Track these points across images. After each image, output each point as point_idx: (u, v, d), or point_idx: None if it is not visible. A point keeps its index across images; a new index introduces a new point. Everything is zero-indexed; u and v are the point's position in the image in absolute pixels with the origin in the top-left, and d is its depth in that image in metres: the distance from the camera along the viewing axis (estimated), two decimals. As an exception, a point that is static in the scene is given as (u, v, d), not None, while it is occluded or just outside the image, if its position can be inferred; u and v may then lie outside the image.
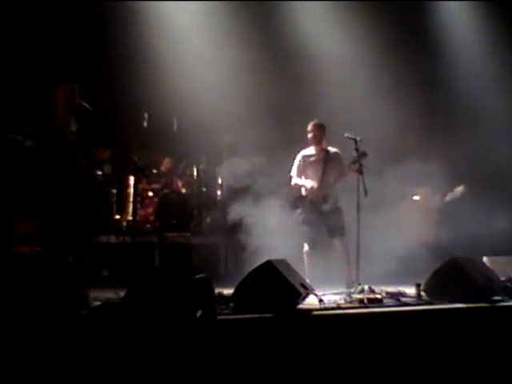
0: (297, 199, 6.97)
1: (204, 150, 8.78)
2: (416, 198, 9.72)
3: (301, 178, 7.00)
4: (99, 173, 5.87)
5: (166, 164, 8.74)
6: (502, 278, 6.10)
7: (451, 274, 5.75)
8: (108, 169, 6.11)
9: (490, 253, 6.70)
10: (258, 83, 8.82)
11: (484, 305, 5.51)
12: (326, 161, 6.91)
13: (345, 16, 9.32)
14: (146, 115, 8.69)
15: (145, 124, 8.70)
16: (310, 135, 6.97)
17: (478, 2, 9.69)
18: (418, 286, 5.84)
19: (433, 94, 9.64)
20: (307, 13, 9.31)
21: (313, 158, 6.98)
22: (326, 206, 6.77)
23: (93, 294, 5.06)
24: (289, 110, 9.26)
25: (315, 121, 7.01)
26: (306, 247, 6.81)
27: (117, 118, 7.59)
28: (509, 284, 6.05)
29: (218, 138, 8.82)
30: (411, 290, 5.88)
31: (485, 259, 6.44)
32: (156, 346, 3.91)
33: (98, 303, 4.80)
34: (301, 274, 5.62)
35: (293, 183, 7.04)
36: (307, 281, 6.37)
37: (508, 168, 8.41)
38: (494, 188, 8.90)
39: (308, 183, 6.87)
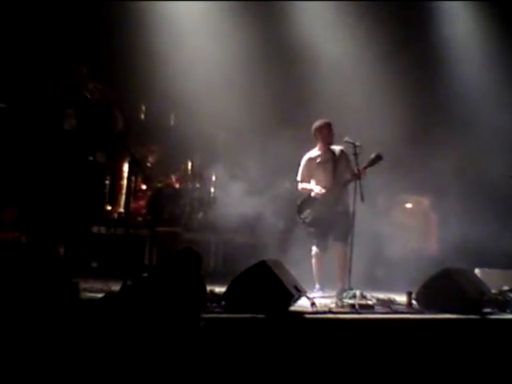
0: (305, 200, 6.69)
1: (200, 145, 8.74)
2: (408, 205, 9.75)
3: (309, 181, 6.74)
4: (91, 159, 5.82)
5: (157, 153, 8.67)
6: (494, 291, 6.10)
7: (443, 285, 5.74)
8: (101, 157, 6.07)
9: (484, 265, 6.70)
10: (256, 82, 8.79)
11: (474, 317, 5.51)
12: (334, 161, 6.65)
13: (345, 17, 9.29)
14: (143, 107, 8.64)
15: (142, 116, 8.64)
16: (320, 136, 6.68)
17: (481, 8, 9.67)
18: (409, 294, 5.82)
19: (428, 100, 9.62)
20: (307, 13, 9.27)
21: (320, 160, 6.70)
22: (337, 208, 6.53)
23: (82, 285, 5.00)
24: (288, 109, 9.22)
25: (324, 121, 6.70)
26: (314, 249, 6.60)
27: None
28: (500, 297, 6.04)
29: (214, 135, 8.79)
30: (402, 298, 5.87)
31: (477, 271, 6.44)
32: (149, 342, 3.87)
33: (88, 295, 4.77)
34: (305, 276, 5.59)
35: (300, 188, 6.79)
36: (317, 285, 6.46)
37: (498, 179, 8.41)
38: (486, 199, 8.93)
39: (316, 188, 6.61)
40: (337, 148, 6.72)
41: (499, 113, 9.28)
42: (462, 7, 9.63)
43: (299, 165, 6.81)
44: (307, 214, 6.62)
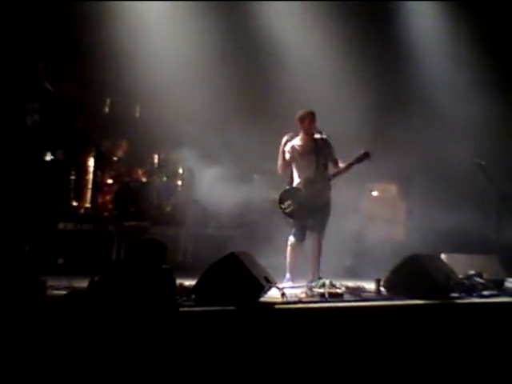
0: (287, 191, 6.61)
1: (166, 138, 8.66)
2: (375, 193, 9.83)
3: (287, 168, 6.65)
4: (50, 158, 5.73)
5: (123, 147, 8.58)
6: (460, 276, 6.19)
7: (410, 271, 5.82)
8: (60, 155, 5.98)
9: (450, 250, 6.79)
10: (221, 74, 8.75)
11: (442, 301, 5.59)
12: (317, 152, 6.55)
13: (309, 7, 9.30)
14: (108, 101, 8.53)
15: (107, 110, 8.53)
16: (304, 124, 6.56)
17: (444, 1, 9.81)
18: (377, 281, 5.89)
19: (392, 88, 9.69)
20: (272, 6, 9.26)
21: (302, 149, 6.58)
22: (320, 201, 6.49)
23: (49, 282, 4.92)
24: (253, 101, 9.21)
25: (309, 109, 6.59)
26: (291, 239, 6.55)
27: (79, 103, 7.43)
28: (466, 281, 6.14)
29: (181, 128, 8.71)
30: (371, 286, 5.93)
31: (443, 256, 6.51)
32: (118, 336, 3.84)
33: (55, 292, 4.71)
34: (275, 267, 5.57)
35: (279, 173, 6.70)
36: (288, 275, 6.42)
37: (463, 166, 8.54)
38: (452, 186, 9.06)
39: (299, 187, 6.56)
40: (319, 137, 6.62)
41: (461, 101, 9.42)
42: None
43: (280, 149, 6.67)
44: (288, 204, 6.54)
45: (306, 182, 6.56)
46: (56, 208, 7.06)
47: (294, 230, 6.57)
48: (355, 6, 9.56)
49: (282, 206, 6.58)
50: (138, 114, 8.89)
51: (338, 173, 6.37)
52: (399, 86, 9.74)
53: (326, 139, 6.57)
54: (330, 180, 6.44)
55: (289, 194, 6.59)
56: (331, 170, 6.59)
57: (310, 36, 9.27)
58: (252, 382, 4.35)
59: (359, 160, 6.44)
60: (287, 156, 6.62)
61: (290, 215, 6.57)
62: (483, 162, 7.61)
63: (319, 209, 6.48)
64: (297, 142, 6.66)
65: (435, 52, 9.78)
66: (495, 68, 9.47)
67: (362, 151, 6.45)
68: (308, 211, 6.49)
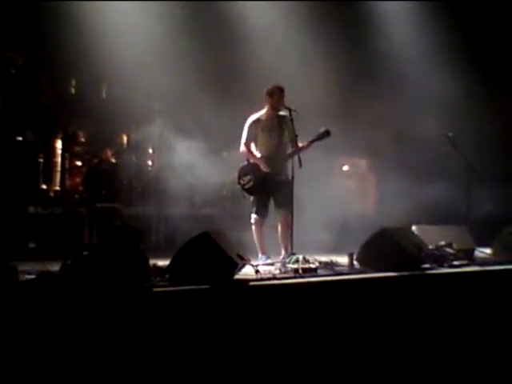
0: (247, 166, 6.56)
1: (134, 118, 8.57)
2: (345, 168, 9.89)
3: (252, 144, 6.58)
4: (20, 139, 5.62)
5: (89, 127, 8.47)
6: (431, 247, 6.28)
7: (382, 244, 5.88)
8: (30, 135, 5.86)
9: (421, 222, 6.87)
10: (188, 52, 8.66)
11: (414, 273, 5.67)
12: (280, 128, 6.52)
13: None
14: (73, 82, 8.40)
15: (72, 91, 8.40)
16: (271, 99, 6.49)
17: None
18: (350, 255, 5.94)
19: (359, 63, 9.70)
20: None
21: (265, 125, 6.54)
22: (280, 177, 6.44)
23: (21, 267, 4.87)
24: (221, 76, 9.14)
25: (276, 84, 6.51)
26: (254, 217, 6.50)
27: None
28: (437, 252, 6.24)
29: (148, 106, 8.62)
30: (344, 260, 5.98)
31: (414, 228, 6.59)
32: (92, 317, 3.82)
33: (27, 277, 4.65)
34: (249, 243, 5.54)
35: (242, 150, 6.60)
36: (260, 253, 6.41)
37: (432, 138, 8.61)
38: (421, 158, 9.15)
39: (262, 164, 6.48)
40: (282, 113, 6.56)
41: (430, 74, 9.46)
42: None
43: (244, 125, 6.63)
44: (247, 180, 6.50)
45: (267, 157, 6.52)
46: (25, 191, 6.97)
47: (255, 207, 6.52)
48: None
49: (241, 182, 6.54)
50: (104, 95, 8.77)
51: (300, 150, 6.25)
52: (366, 60, 9.76)
53: (287, 116, 6.43)
54: (290, 157, 6.32)
55: (248, 169, 6.54)
56: (291, 147, 6.49)
57: (276, 12, 9.20)
58: (229, 361, 4.36)
59: (320, 137, 6.43)
60: (250, 129, 6.57)
61: (249, 191, 6.53)
62: (450, 134, 7.68)
63: (279, 184, 6.43)
64: (261, 116, 6.60)
65: (402, 26, 9.77)
66: (463, 42, 9.52)
67: (323, 129, 6.45)
68: (267, 187, 6.46)
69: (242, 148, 6.62)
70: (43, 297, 3.80)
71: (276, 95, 6.50)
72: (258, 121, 6.58)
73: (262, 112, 6.62)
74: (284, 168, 6.48)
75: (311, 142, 6.43)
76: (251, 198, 6.57)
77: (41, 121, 7.08)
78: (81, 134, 8.28)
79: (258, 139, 6.60)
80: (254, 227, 6.53)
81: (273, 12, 9.18)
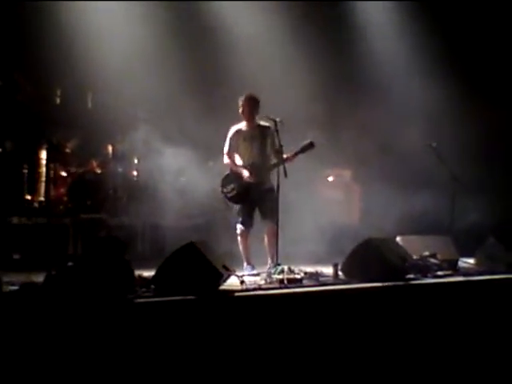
0: (230, 175, 6.59)
1: (119, 128, 8.55)
2: (330, 178, 9.93)
3: (234, 155, 6.62)
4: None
5: (75, 138, 8.44)
6: (415, 257, 6.32)
7: (366, 254, 5.90)
8: (9, 145, 5.82)
9: (405, 232, 6.91)
10: (173, 61, 8.65)
11: (398, 283, 5.70)
12: (262, 138, 6.56)
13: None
14: (58, 92, 8.37)
15: (58, 101, 8.37)
16: (242, 109, 6.55)
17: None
18: (335, 265, 5.96)
19: (342, 73, 9.74)
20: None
21: (246, 135, 6.58)
22: (263, 186, 6.47)
23: (5, 278, 4.83)
24: (206, 84, 9.15)
25: (247, 94, 6.57)
26: (240, 227, 6.53)
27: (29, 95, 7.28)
28: (421, 262, 6.28)
29: (134, 116, 8.61)
30: (329, 270, 6.00)
31: (398, 239, 6.62)
32: (76, 328, 3.80)
33: (12, 288, 4.62)
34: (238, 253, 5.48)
35: (226, 161, 6.64)
36: (245, 263, 6.44)
37: (416, 148, 8.67)
38: (405, 169, 9.20)
39: (244, 173, 6.50)
40: (264, 124, 6.60)
41: (413, 85, 9.53)
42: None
43: (226, 137, 6.67)
44: (230, 188, 6.53)
45: (250, 167, 6.53)
46: (9, 202, 6.93)
47: (240, 217, 6.54)
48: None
49: (225, 190, 6.57)
50: (89, 105, 8.75)
51: (284, 161, 6.24)
52: (349, 70, 9.79)
53: (270, 128, 6.48)
54: (275, 167, 6.31)
55: (231, 178, 6.57)
56: (274, 158, 6.52)
57: (259, 20, 9.21)
58: (215, 371, 4.36)
59: (304, 149, 6.44)
60: (232, 140, 6.62)
61: (232, 199, 6.56)
62: (434, 144, 7.74)
63: (263, 194, 6.46)
64: (240, 126, 6.65)
65: (385, 36, 9.83)
66: (446, 52, 9.61)
67: (308, 141, 6.47)
68: (251, 196, 6.48)
69: (226, 160, 6.67)
70: (27, 308, 3.78)
71: (245, 105, 6.54)
72: (239, 131, 6.63)
73: (244, 122, 6.66)
74: (267, 178, 6.51)
75: (296, 154, 6.44)
76: (236, 207, 6.59)
77: (25, 130, 7.05)
78: (66, 144, 8.25)
79: (239, 149, 6.64)
80: (239, 238, 6.56)
81: (256, 21, 9.18)
